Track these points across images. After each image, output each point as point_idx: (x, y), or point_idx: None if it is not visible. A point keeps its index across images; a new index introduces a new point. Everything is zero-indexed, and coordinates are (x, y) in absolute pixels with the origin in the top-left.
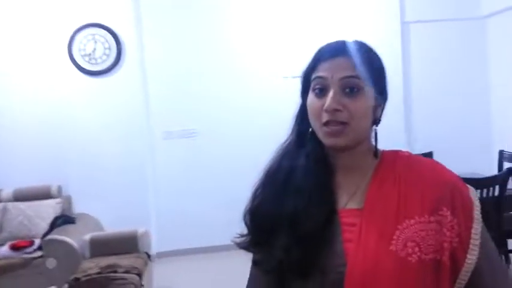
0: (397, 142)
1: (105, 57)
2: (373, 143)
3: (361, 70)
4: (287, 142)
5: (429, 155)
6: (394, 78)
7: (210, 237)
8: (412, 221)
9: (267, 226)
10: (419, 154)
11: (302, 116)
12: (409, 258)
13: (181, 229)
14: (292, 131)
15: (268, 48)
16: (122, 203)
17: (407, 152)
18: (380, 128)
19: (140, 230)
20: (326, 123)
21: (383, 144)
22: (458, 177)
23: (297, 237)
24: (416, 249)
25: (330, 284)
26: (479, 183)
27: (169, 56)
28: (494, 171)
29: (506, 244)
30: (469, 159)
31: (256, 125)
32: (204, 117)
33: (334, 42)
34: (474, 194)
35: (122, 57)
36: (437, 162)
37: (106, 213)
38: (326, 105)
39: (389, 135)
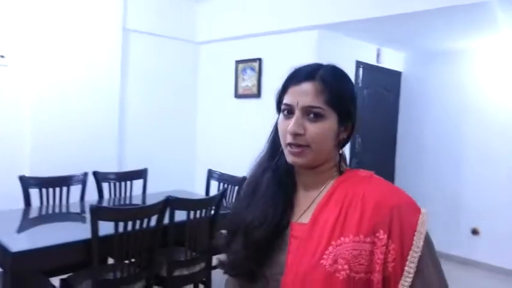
0: (110, 155)
1: None
2: (340, 162)
3: (325, 98)
4: (262, 153)
5: (143, 172)
6: (113, 87)
7: None
8: (347, 239)
9: (233, 232)
10: (132, 171)
11: (276, 131)
12: (337, 275)
13: None
14: (268, 143)
15: None
16: None
17: (369, 172)
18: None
19: None
20: (289, 144)
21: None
22: (408, 203)
23: (249, 244)
24: (346, 266)
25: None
26: (200, 203)
27: None
28: (200, 188)
29: (210, 260)
30: (178, 176)
31: None
32: None
33: (307, 66)
34: (422, 221)
35: None
36: (391, 185)
37: None
38: (289, 128)
39: (102, 146)
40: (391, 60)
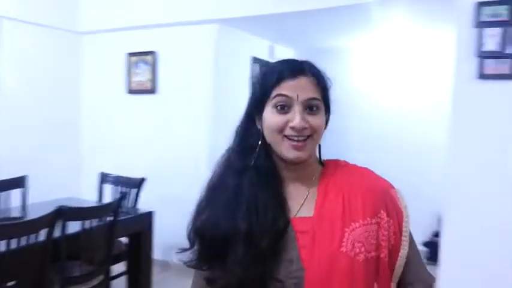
0: None
1: None
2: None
3: (319, 91)
4: (228, 155)
5: (22, 180)
6: None
7: None
8: (357, 224)
9: (219, 243)
10: (8, 179)
11: (248, 129)
12: (357, 258)
13: None
14: (235, 144)
15: None
16: None
17: (344, 161)
18: None
19: None
20: (289, 138)
21: None
22: (388, 183)
23: (255, 253)
24: (363, 249)
25: None
26: (97, 211)
27: None
28: (89, 194)
29: (110, 269)
30: (62, 182)
31: None
32: None
33: (293, 60)
34: (401, 195)
35: None
36: (370, 170)
37: None
38: (296, 123)
39: None
40: (283, 56)
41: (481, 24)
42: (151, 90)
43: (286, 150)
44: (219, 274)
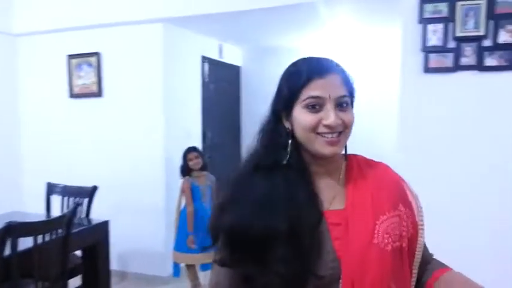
0: None
1: None
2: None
3: (347, 87)
4: (254, 155)
5: None
6: None
7: None
8: (385, 217)
9: (255, 243)
10: None
11: (276, 128)
12: (386, 248)
13: None
14: (263, 143)
15: None
16: None
17: (361, 155)
18: None
19: None
20: (323, 135)
21: None
22: (399, 176)
23: (296, 251)
24: (390, 239)
25: (326, 280)
26: (50, 225)
27: None
28: (34, 206)
29: (67, 284)
30: (2, 196)
31: None
32: None
33: (319, 58)
34: (411, 186)
35: None
36: (386, 164)
37: None
38: (330, 122)
39: None
40: (232, 55)
41: (424, 21)
42: (97, 94)
43: (321, 146)
44: (257, 273)
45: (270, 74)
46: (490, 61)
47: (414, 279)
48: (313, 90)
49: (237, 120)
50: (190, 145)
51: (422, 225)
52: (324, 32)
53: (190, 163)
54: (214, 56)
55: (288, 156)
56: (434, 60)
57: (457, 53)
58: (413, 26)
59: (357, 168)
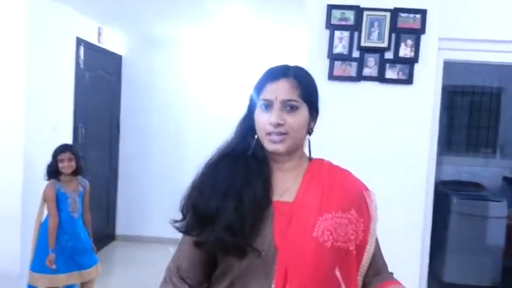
0: None
1: None
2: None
3: (299, 92)
4: (228, 144)
5: None
6: None
7: None
8: (330, 215)
9: (209, 215)
10: None
11: (247, 125)
12: (325, 244)
13: None
14: (236, 135)
15: None
16: None
17: (328, 161)
18: None
19: None
20: (269, 134)
21: None
22: (364, 185)
23: (238, 224)
24: (330, 237)
25: (260, 261)
26: None
27: None
28: None
29: None
30: None
31: None
32: None
33: (280, 66)
34: (373, 197)
35: None
36: (350, 172)
37: None
38: (271, 119)
39: None
40: (113, 41)
41: (331, 27)
42: None
43: (267, 143)
44: (207, 238)
45: (155, 66)
46: (390, 73)
47: (359, 283)
48: (265, 93)
49: (116, 115)
50: (61, 142)
51: (373, 235)
52: (212, 24)
53: (61, 165)
54: (93, 40)
55: (252, 149)
56: (339, 68)
57: (361, 63)
58: (321, 30)
59: (317, 170)
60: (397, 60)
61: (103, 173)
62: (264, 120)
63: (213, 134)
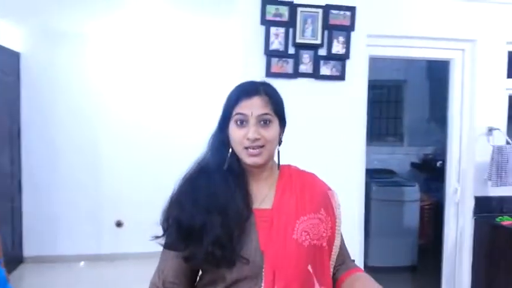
0: None
1: None
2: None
3: (271, 107)
4: (202, 158)
5: None
6: None
7: None
8: (306, 217)
9: (195, 230)
10: None
11: (220, 139)
12: (304, 244)
13: None
14: (210, 151)
15: None
16: None
17: (294, 166)
18: None
19: None
20: (246, 148)
21: None
22: (327, 185)
23: (227, 236)
24: (307, 236)
25: (249, 267)
26: None
27: None
28: None
29: None
30: None
31: None
32: None
33: (250, 83)
34: (337, 197)
35: None
36: (314, 175)
37: None
38: (249, 135)
39: None
40: (8, 37)
41: (267, 23)
42: None
43: (245, 157)
44: (196, 252)
45: (60, 63)
46: (324, 70)
47: (331, 272)
48: (240, 108)
49: (16, 121)
50: None
51: (339, 231)
52: (124, 15)
53: None
54: None
55: (227, 163)
56: (276, 65)
57: (297, 59)
58: (256, 26)
59: (287, 176)
60: (330, 56)
61: (3, 188)
62: (240, 135)
63: (129, 138)
